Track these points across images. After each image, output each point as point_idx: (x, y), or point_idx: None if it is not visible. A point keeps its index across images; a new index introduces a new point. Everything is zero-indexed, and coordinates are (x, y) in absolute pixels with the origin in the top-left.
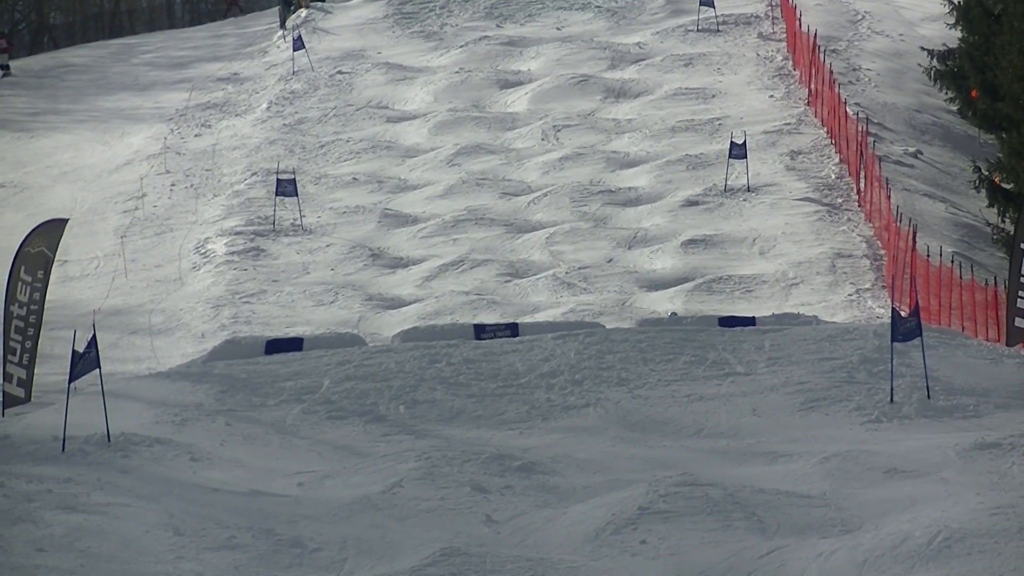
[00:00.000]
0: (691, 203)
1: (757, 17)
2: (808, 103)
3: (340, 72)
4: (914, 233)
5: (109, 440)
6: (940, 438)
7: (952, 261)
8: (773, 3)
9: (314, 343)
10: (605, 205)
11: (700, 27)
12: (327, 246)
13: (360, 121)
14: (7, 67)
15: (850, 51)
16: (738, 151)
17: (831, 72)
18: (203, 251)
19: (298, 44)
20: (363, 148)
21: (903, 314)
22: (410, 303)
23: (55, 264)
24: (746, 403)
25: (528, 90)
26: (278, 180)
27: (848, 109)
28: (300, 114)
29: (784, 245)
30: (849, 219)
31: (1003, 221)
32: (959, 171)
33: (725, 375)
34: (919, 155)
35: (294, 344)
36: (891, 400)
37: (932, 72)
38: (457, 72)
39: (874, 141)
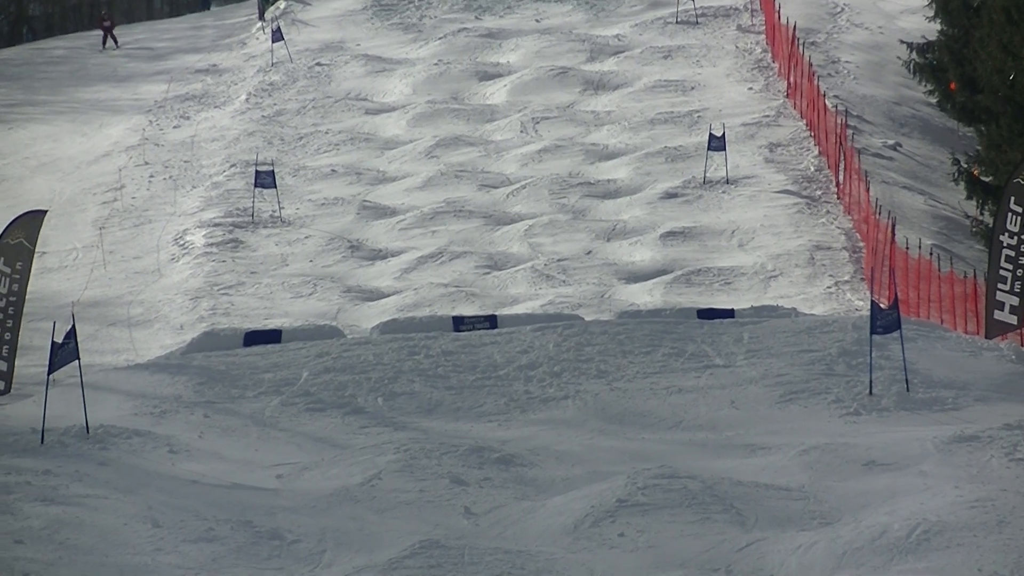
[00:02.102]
0: (670, 195)
1: (736, 9)
2: (787, 95)
3: (319, 64)
4: (893, 225)
5: (88, 432)
6: (919, 431)
7: (931, 254)
8: None
9: (293, 335)
10: (584, 197)
11: (679, 19)
12: (306, 238)
13: (339, 113)
14: None
15: (829, 43)
16: (717, 143)
17: (810, 64)
18: (182, 243)
19: (277, 36)
20: (342, 140)
21: (882, 306)
22: (389, 295)
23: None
24: (725, 395)
25: (507, 82)
26: (257, 172)
27: (827, 101)
28: (279, 106)
29: (763, 237)
30: (828, 211)
31: (982, 213)
32: (938, 164)
33: (704, 367)
34: (898, 148)
35: (273, 336)
36: (870, 393)
37: (911, 65)
38: (436, 64)
39: (853, 134)
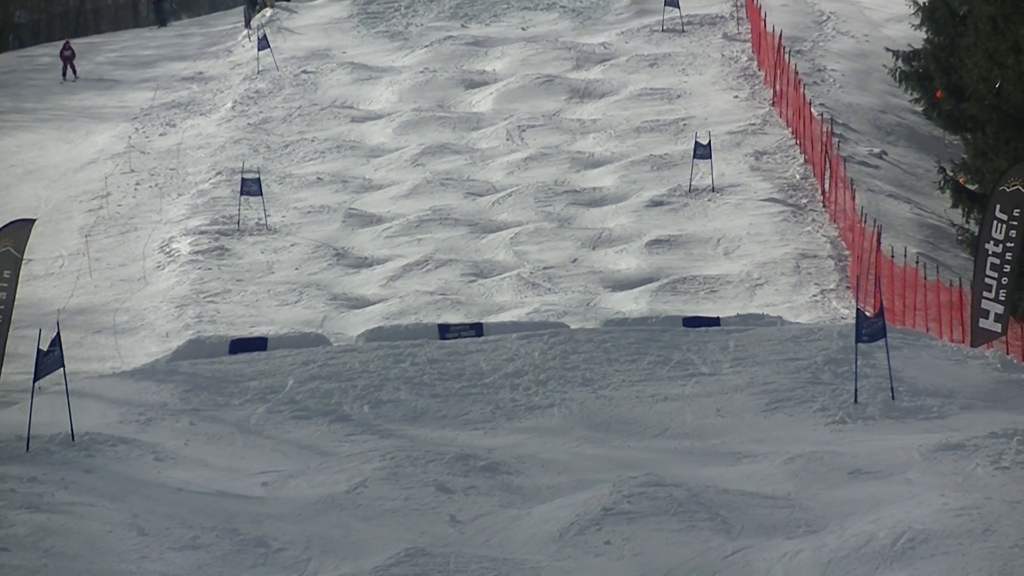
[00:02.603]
0: (656, 203)
1: (722, 17)
2: (773, 103)
3: (305, 72)
4: (879, 234)
5: (73, 439)
6: (904, 439)
7: (917, 262)
8: (738, 3)
9: (278, 343)
10: (570, 205)
11: (665, 27)
12: (291, 245)
13: (325, 121)
14: None
15: (815, 52)
16: (703, 151)
17: (796, 72)
18: (167, 250)
19: (263, 43)
20: (328, 148)
21: (868, 315)
22: (374, 303)
23: None
24: (710, 403)
25: (493, 90)
26: (243, 179)
27: (813, 110)
28: (265, 113)
29: (749, 245)
30: (814, 220)
31: (967, 222)
32: (924, 172)
33: (690, 375)
34: (884, 156)
35: (258, 344)
36: (855, 401)
37: (897, 73)
38: (422, 72)
39: (839, 142)
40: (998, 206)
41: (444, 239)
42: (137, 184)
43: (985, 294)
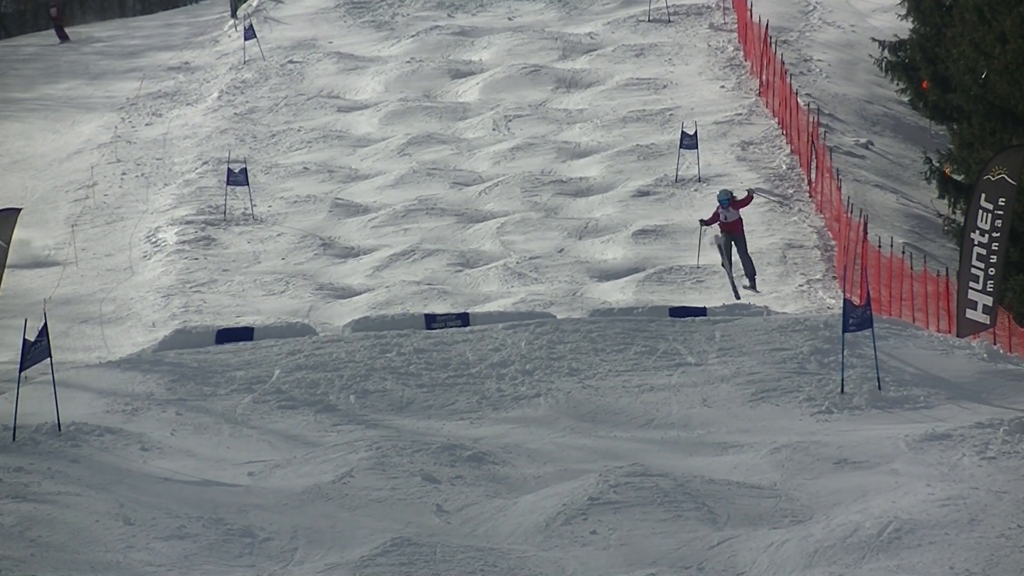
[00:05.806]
0: (642, 193)
1: (708, 7)
2: (759, 94)
3: (291, 61)
4: (865, 224)
5: (60, 429)
6: (890, 429)
7: (903, 252)
8: None
9: (265, 332)
10: (556, 195)
11: (651, 17)
12: (278, 235)
13: (311, 111)
14: None
15: (801, 42)
16: (689, 141)
17: (782, 63)
18: (154, 240)
19: (249, 33)
20: (314, 138)
21: (855, 304)
22: (361, 293)
23: None
24: (696, 394)
25: (479, 80)
26: (229, 169)
27: (799, 100)
28: (251, 103)
29: None
30: (800, 210)
31: (954, 212)
32: (910, 162)
33: (676, 365)
34: (870, 146)
35: (245, 334)
36: (842, 391)
37: (883, 63)
38: (408, 62)
39: (825, 132)
40: (983, 195)
41: (430, 229)
42: (123, 174)
43: (972, 285)
